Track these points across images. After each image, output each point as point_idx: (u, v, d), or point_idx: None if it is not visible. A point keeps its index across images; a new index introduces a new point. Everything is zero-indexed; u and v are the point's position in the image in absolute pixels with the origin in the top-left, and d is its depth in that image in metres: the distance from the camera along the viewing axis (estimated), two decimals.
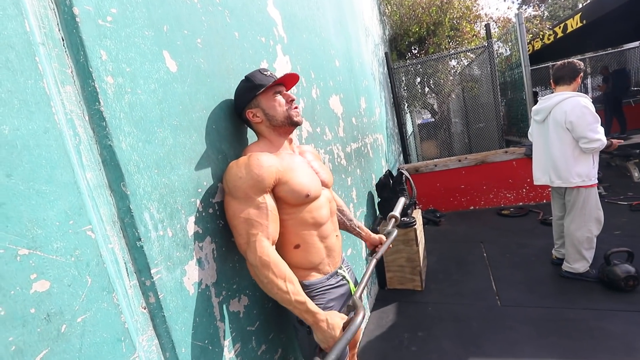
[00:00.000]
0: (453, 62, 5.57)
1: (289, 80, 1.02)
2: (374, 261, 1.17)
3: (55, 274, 0.54)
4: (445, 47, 5.34)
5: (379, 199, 2.70)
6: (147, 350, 0.68)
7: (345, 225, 1.34)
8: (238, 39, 1.11)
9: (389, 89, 4.71)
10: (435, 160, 4.24)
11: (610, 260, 2.06)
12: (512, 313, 2.00)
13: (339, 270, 1.11)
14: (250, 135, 1.12)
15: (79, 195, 0.59)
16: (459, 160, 4.00)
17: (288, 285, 0.85)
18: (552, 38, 6.33)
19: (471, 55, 5.20)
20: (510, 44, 4.44)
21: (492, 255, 2.79)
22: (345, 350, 1.02)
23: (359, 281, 1.12)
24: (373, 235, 1.38)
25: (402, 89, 5.05)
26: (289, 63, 1.46)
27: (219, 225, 0.92)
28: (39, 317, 0.51)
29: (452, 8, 5.23)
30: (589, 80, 8.65)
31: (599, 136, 1.95)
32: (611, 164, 4.69)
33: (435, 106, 5.74)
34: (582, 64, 2.13)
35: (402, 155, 5.00)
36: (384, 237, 1.38)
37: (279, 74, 1.27)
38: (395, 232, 1.37)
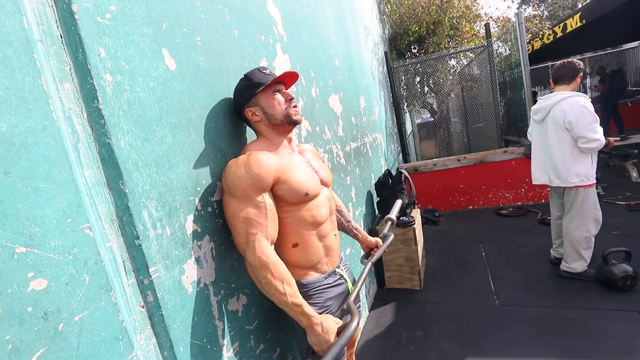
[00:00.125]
0: (452, 62, 5.57)
1: (288, 78, 1.01)
2: (369, 265, 1.17)
3: (53, 272, 0.54)
4: (444, 46, 5.34)
5: (378, 199, 2.70)
6: (145, 349, 0.68)
7: (343, 226, 1.34)
8: (237, 37, 1.10)
9: (388, 88, 4.71)
10: (434, 159, 4.24)
11: (608, 260, 2.06)
12: (511, 312, 2.01)
13: (337, 270, 1.11)
14: (250, 133, 1.11)
15: (77, 193, 0.59)
16: (458, 160, 4.01)
17: (285, 287, 0.85)
18: (551, 38, 6.34)
19: (470, 55, 5.20)
20: (509, 43, 4.44)
21: (491, 254, 2.80)
22: (340, 355, 1.02)
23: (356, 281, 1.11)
24: (369, 237, 1.38)
25: (401, 88, 5.05)
26: (288, 62, 1.45)
27: (217, 224, 0.92)
28: (36, 315, 0.51)
29: (451, 7, 5.23)
30: (587, 80, 8.67)
31: (597, 136, 1.95)
32: (609, 164, 4.70)
33: (434, 106, 5.75)
34: (582, 64, 2.13)
35: (401, 155, 5.00)
36: (380, 241, 1.38)
37: (278, 73, 1.27)
38: (392, 236, 1.36)
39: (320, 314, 0.99)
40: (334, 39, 2.19)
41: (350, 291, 1.10)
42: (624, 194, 3.58)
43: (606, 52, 8.41)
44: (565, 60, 2.16)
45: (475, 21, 5.52)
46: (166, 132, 0.77)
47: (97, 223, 0.62)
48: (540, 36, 6.49)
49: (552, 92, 2.19)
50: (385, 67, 4.62)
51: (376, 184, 2.70)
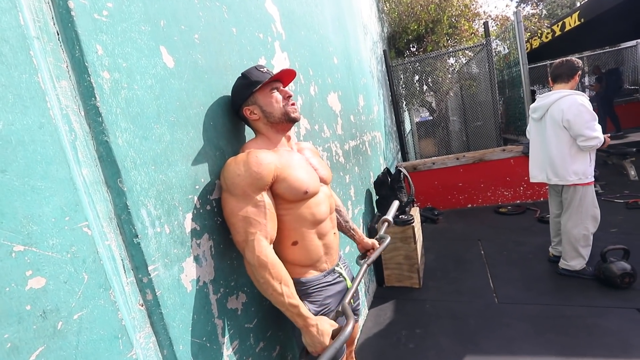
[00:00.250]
0: (451, 60, 5.57)
1: (286, 76, 1.01)
2: (364, 266, 1.17)
3: (51, 271, 0.53)
4: (443, 45, 5.33)
5: (377, 197, 2.70)
6: (145, 348, 0.68)
7: (340, 226, 1.34)
8: (236, 35, 1.10)
9: (387, 87, 4.71)
10: (433, 158, 4.24)
11: (606, 258, 2.07)
12: (510, 310, 2.01)
13: (336, 268, 1.11)
14: (248, 132, 1.11)
15: (75, 191, 0.59)
16: (457, 158, 4.01)
17: (283, 288, 0.85)
18: (550, 36, 6.34)
19: (469, 54, 5.19)
20: (508, 42, 4.44)
21: (490, 253, 2.80)
22: (341, 352, 1.02)
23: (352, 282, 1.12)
24: (366, 239, 1.38)
25: (400, 87, 5.05)
26: (287, 60, 1.45)
27: (216, 223, 0.91)
28: (34, 314, 0.50)
29: (450, 6, 5.22)
30: (586, 79, 8.69)
31: (596, 134, 1.96)
32: (608, 162, 4.72)
33: (433, 104, 5.74)
34: (581, 62, 2.13)
35: (400, 153, 5.00)
36: (376, 243, 1.38)
37: (276, 71, 1.26)
38: (389, 238, 1.36)
39: (320, 311, 1.00)
40: (332, 37, 2.19)
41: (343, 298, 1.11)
42: (622, 192, 3.59)
43: (604, 50, 8.42)
44: (564, 58, 2.16)
45: (474, 20, 5.52)
46: (164, 130, 0.77)
47: (96, 221, 0.62)
48: (539, 35, 6.48)
49: (550, 91, 2.20)
50: (384, 66, 4.62)
51: (375, 183, 2.70)
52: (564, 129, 2.05)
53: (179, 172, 0.80)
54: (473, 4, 5.50)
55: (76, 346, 0.55)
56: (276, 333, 1.15)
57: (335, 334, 0.88)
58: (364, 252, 1.39)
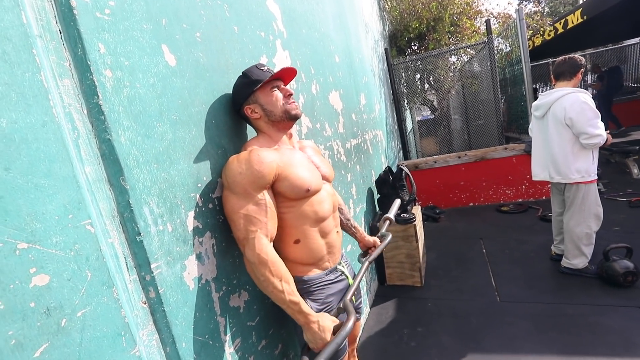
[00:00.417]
0: (453, 59, 5.54)
1: (287, 74, 1.01)
2: (366, 264, 1.17)
3: (55, 268, 0.54)
4: (445, 43, 5.31)
5: (379, 196, 2.70)
6: (148, 345, 0.68)
7: (342, 224, 1.34)
8: (237, 33, 1.10)
9: (388, 86, 4.70)
10: (434, 156, 4.24)
11: (609, 256, 2.06)
12: (512, 309, 2.01)
13: (338, 266, 1.11)
14: (250, 130, 1.11)
15: (78, 189, 0.59)
16: (459, 157, 4.00)
17: (284, 285, 0.85)
18: (552, 34, 6.30)
19: (471, 52, 5.17)
20: (510, 40, 4.42)
21: (492, 251, 2.80)
22: (338, 354, 1.03)
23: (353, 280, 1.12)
24: (367, 237, 1.38)
25: (401, 86, 5.03)
26: (288, 58, 1.45)
27: (218, 221, 0.91)
28: (38, 311, 0.51)
29: (452, 4, 5.20)
30: (588, 77, 8.64)
31: (599, 131, 1.95)
32: (610, 160, 4.69)
33: (435, 103, 5.73)
34: (583, 60, 2.12)
35: (401, 152, 4.99)
36: (377, 240, 1.38)
37: (278, 69, 1.26)
38: (390, 236, 1.37)
39: (322, 310, 1.00)
40: (334, 36, 2.19)
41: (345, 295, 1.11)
42: (625, 191, 3.57)
43: (607, 48, 8.37)
44: (567, 56, 2.15)
45: (476, 18, 5.49)
46: (166, 129, 0.77)
47: (99, 219, 0.62)
48: (541, 32, 6.45)
49: (553, 89, 2.19)
50: (385, 64, 4.61)
51: (377, 181, 2.70)
52: (567, 127, 2.04)
53: (181, 170, 0.80)
54: (475, 2, 5.48)
55: (80, 343, 0.56)
56: (278, 331, 1.16)
57: (336, 330, 0.88)
58: (366, 250, 1.39)
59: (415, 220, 2.39)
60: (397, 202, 1.57)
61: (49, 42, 0.58)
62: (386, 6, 5.43)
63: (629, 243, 2.09)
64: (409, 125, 6.38)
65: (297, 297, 0.88)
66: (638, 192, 3.45)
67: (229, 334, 0.91)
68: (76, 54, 0.61)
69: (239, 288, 0.98)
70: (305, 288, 0.99)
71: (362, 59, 3.07)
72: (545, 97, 2.17)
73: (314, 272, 1.03)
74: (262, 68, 0.97)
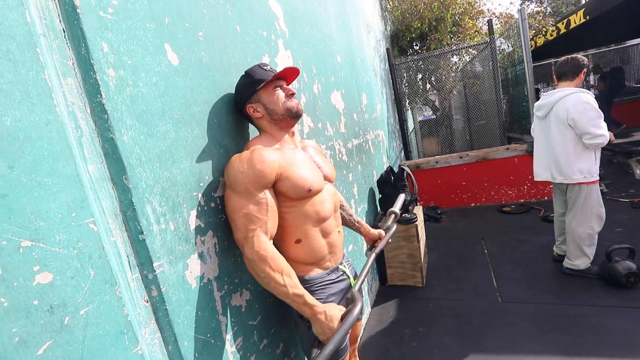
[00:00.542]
0: (455, 59, 5.53)
1: (289, 74, 1.01)
2: (373, 255, 1.17)
3: (58, 266, 0.54)
4: (447, 43, 5.30)
5: (380, 195, 2.70)
6: (150, 343, 0.69)
7: (345, 220, 1.34)
8: (239, 33, 1.10)
9: (390, 85, 4.69)
10: (436, 156, 4.23)
11: (611, 257, 2.06)
12: (513, 309, 2.00)
13: (340, 266, 1.11)
14: (252, 129, 1.11)
15: (81, 187, 0.59)
16: (460, 157, 3.99)
17: (285, 279, 0.85)
18: (554, 34, 6.28)
19: (473, 52, 5.16)
20: (512, 40, 4.40)
21: (493, 251, 2.79)
22: (344, 340, 1.02)
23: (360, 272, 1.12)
24: (372, 230, 1.38)
25: (403, 86, 5.03)
26: (290, 58, 1.45)
27: (220, 220, 0.92)
28: (42, 308, 0.51)
29: (454, 4, 5.19)
30: (591, 78, 8.60)
31: (602, 131, 1.94)
32: (613, 161, 4.68)
33: (436, 103, 5.72)
34: (586, 60, 2.11)
35: (403, 152, 4.99)
36: (383, 232, 1.38)
37: (280, 69, 1.26)
38: (395, 227, 1.37)
39: None
40: (335, 36, 2.19)
41: (352, 286, 1.10)
42: (627, 191, 3.56)
43: (610, 48, 8.33)
44: (569, 56, 2.14)
45: (478, 17, 5.48)
46: (169, 128, 0.77)
47: (101, 218, 0.62)
48: (544, 33, 6.43)
49: (555, 89, 2.18)
50: (387, 64, 4.60)
51: (378, 181, 2.70)
52: (569, 127, 2.03)
53: (183, 170, 0.80)
54: (477, 2, 5.47)
55: (83, 341, 0.56)
56: (280, 330, 1.16)
57: (344, 319, 0.87)
58: (372, 244, 1.39)
59: (416, 220, 2.39)
60: (402, 197, 1.56)
61: (52, 40, 0.58)
62: (388, 6, 5.42)
63: (632, 244, 2.08)
64: (410, 125, 6.37)
65: (300, 289, 0.87)
66: None
67: (230, 333, 0.91)
68: (79, 52, 0.61)
69: (240, 287, 0.98)
70: (306, 288, 0.99)
71: (363, 58, 3.07)
72: (548, 97, 2.16)
73: (316, 272, 1.03)
74: (265, 67, 0.97)
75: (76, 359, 0.54)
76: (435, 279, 2.52)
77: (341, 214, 1.32)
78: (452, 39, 5.43)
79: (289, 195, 0.94)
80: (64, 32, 0.60)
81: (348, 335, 1.12)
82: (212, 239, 0.88)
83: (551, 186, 2.46)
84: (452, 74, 5.20)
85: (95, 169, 0.63)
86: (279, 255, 0.87)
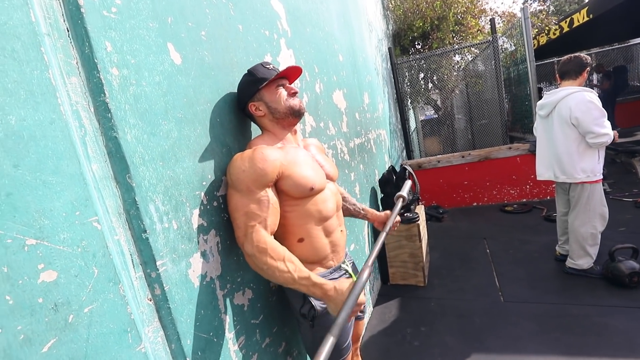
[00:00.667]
0: (457, 58, 5.52)
1: (292, 73, 1.01)
2: (383, 234, 1.13)
3: (62, 265, 0.54)
4: (449, 42, 5.29)
5: (382, 195, 2.70)
6: (153, 342, 0.69)
7: (350, 211, 1.33)
8: (242, 32, 1.10)
9: (392, 85, 4.69)
10: (438, 156, 4.22)
11: (614, 257, 2.05)
12: (515, 309, 2.00)
13: (342, 265, 1.11)
14: (254, 128, 1.11)
15: (85, 186, 0.59)
16: (462, 157, 3.98)
17: (288, 265, 0.84)
18: (557, 33, 6.24)
19: (475, 51, 5.14)
20: (515, 39, 4.38)
21: (495, 251, 2.79)
22: (344, 348, 1.01)
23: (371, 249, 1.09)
24: (378, 213, 1.36)
25: (405, 85, 5.02)
26: (292, 57, 1.45)
27: (223, 219, 0.92)
28: (46, 306, 0.51)
29: (456, 2, 5.17)
30: (594, 77, 8.55)
31: (605, 130, 1.93)
32: (616, 160, 4.65)
33: (438, 102, 5.71)
34: (589, 59, 2.10)
35: (405, 151, 4.98)
36: (389, 212, 1.35)
37: (282, 68, 1.26)
38: (401, 201, 1.29)
39: (326, 308, 1.00)
40: (337, 35, 2.18)
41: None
42: (630, 191, 3.54)
43: (613, 47, 8.28)
44: (572, 55, 2.13)
45: (480, 16, 5.46)
46: (172, 127, 0.77)
47: (105, 216, 0.63)
48: (546, 31, 6.39)
49: (557, 88, 2.17)
50: (389, 63, 4.59)
51: (380, 181, 2.69)
52: (572, 126, 2.02)
53: (186, 169, 0.81)
54: (479, 1, 5.45)
55: (87, 339, 0.56)
56: (282, 329, 1.16)
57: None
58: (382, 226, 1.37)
59: (418, 220, 2.39)
60: (409, 183, 1.53)
61: (56, 40, 0.58)
62: (390, 5, 5.41)
63: (635, 244, 2.07)
64: (412, 124, 6.36)
65: (305, 272, 0.85)
66: None
67: (233, 332, 0.91)
68: (83, 52, 0.61)
69: (243, 286, 0.98)
70: None
71: (365, 58, 3.06)
72: (550, 96, 2.15)
73: (318, 271, 1.03)
74: (268, 66, 0.97)
75: (80, 356, 0.55)
76: (437, 278, 2.52)
77: (345, 205, 1.31)
78: (455, 38, 5.41)
79: (291, 194, 0.94)
80: (68, 31, 0.60)
81: (351, 334, 1.12)
82: (215, 237, 0.88)
83: (554, 185, 2.46)
84: (454, 73, 5.18)
85: (99, 167, 0.63)
86: (278, 245, 0.86)
